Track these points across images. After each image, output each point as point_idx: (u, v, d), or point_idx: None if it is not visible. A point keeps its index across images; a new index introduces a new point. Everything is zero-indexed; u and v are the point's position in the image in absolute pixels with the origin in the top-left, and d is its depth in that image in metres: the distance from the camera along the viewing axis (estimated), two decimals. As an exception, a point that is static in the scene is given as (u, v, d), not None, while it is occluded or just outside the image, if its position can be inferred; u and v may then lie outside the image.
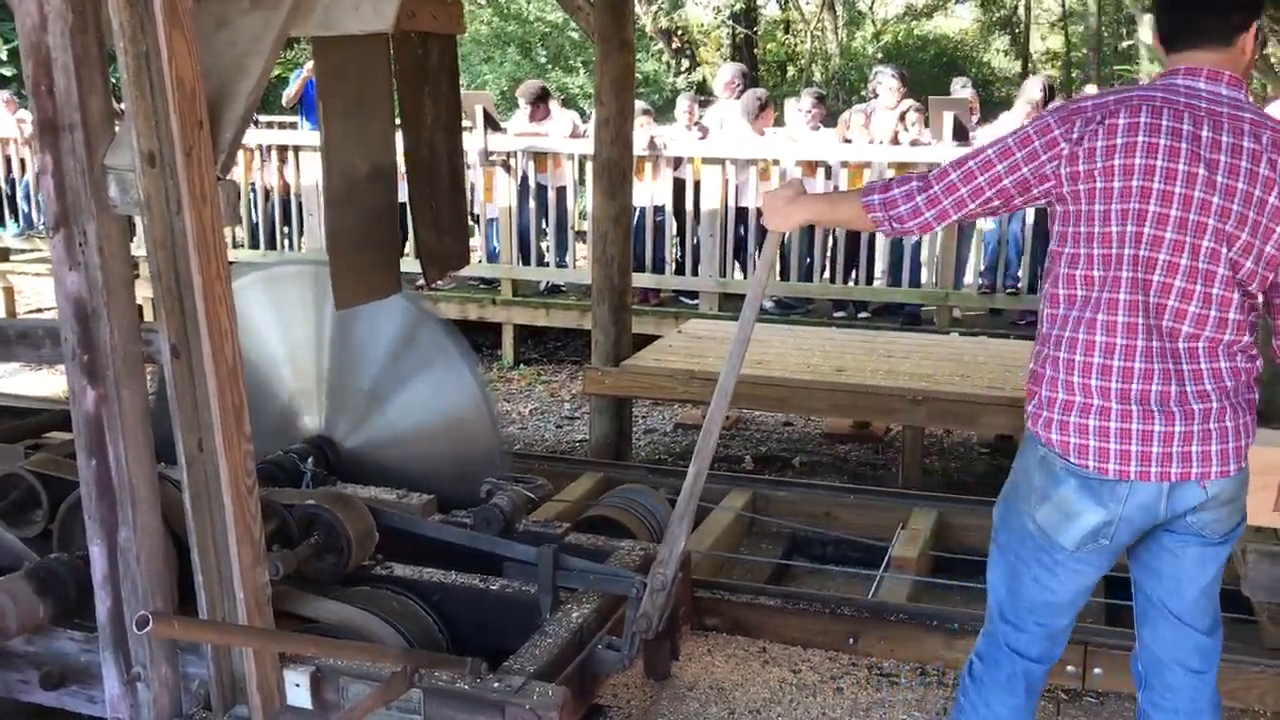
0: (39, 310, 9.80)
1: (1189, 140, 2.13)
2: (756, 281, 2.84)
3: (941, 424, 6.07)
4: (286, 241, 9.03)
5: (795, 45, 22.13)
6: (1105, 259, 2.18)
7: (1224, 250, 2.14)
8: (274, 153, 8.84)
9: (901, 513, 4.55)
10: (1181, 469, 2.19)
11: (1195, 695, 2.42)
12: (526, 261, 8.45)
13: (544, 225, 8.59)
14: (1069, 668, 3.40)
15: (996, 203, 2.30)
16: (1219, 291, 2.16)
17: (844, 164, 7.71)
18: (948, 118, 7.50)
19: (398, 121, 3.17)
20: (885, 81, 8.43)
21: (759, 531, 4.80)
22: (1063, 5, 23.38)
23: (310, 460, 3.44)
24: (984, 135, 7.79)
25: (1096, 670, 3.40)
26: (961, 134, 7.61)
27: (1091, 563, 2.32)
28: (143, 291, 3.28)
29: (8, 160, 9.97)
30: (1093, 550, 2.28)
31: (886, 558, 4.14)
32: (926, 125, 7.83)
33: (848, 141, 8.08)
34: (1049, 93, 7.67)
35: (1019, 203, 2.31)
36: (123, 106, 2.35)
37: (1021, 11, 23.63)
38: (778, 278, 7.99)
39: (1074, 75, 21.52)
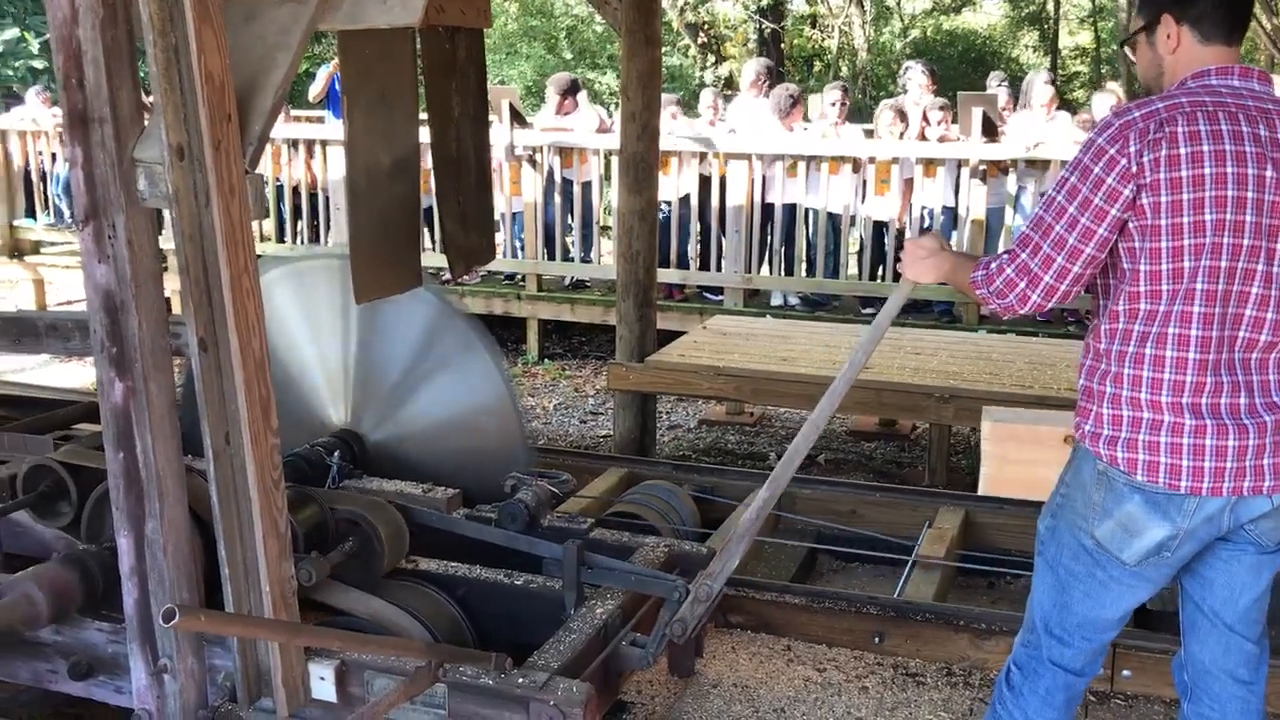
0: (68, 302, 9.88)
1: (1251, 142, 2.10)
2: (875, 328, 2.62)
3: (969, 422, 6.02)
4: (313, 236, 9.08)
5: (822, 40, 22.04)
6: (1177, 272, 2.13)
7: None
8: (300, 147, 8.88)
9: (928, 511, 4.52)
10: (1254, 482, 2.16)
11: (1244, 707, 2.39)
12: (552, 256, 8.45)
13: (569, 220, 8.59)
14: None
15: (1103, 255, 2.19)
16: None
17: (871, 159, 7.68)
18: (976, 113, 7.44)
19: (423, 116, 3.17)
20: (915, 77, 8.38)
21: (785, 528, 4.78)
22: (1092, 0, 23.18)
23: (337, 454, 3.45)
24: (1013, 127, 7.74)
25: (1125, 672, 3.36)
26: (990, 130, 7.55)
27: (1149, 577, 2.29)
28: (171, 284, 3.27)
29: (39, 154, 10.07)
30: (1153, 565, 2.25)
31: (913, 557, 4.11)
32: (955, 121, 7.78)
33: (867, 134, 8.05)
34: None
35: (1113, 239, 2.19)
36: (151, 100, 2.36)
37: (1050, 7, 23.44)
38: (803, 273, 7.97)
39: (1104, 71, 21.33)
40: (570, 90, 8.82)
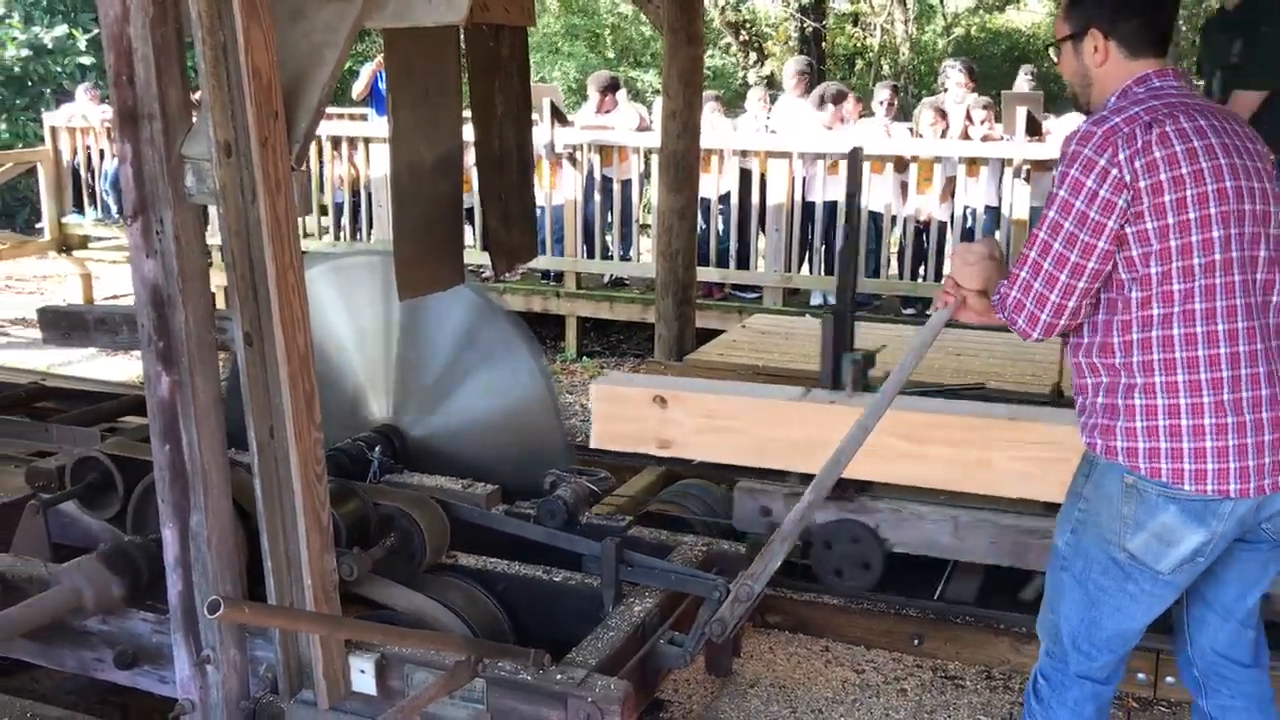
0: (115, 296, 10.02)
1: (1218, 135, 2.15)
2: (919, 344, 2.53)
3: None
4: (356, 233, 9.15)
5: (864, 39, 21.90)
6: (1192, 269, 2.12)
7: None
8: (344, 144, 8.95)
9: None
10: (1273, 480, 2.15)
11: (1259, 686, 2.44)
12: (591, 255, 8.46)
13: (609, 218, 8.60)
14: (1139, 675, 3.33)
15: (1107, 267, 2.18)
16: None
17: (914, 158, 7.62)
18: (1020, 112, 7.37)
19: (466, 114, 3.18)
20: (954, 76, 8.33)
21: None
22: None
23: (378, 449, 3.47)
24: (1058, 127, 7.66)
25: (1169, 679, 3.32)
26: (1035, 129, 7.48)
27: (1177, 584, 2.28)
28: (217, 279, 3.32)
29: (87, 150, 10.21)
30: (1185, 571, 2.24)
31: (952, 560, 4.07)
32: (999, 120, 7.71)
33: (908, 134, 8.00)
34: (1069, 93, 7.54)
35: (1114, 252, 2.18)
36: (199, 96, 2.38)
37: (1097, 4, 23.13)
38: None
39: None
40: (610, 88, 8.84)
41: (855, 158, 4.14)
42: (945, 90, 8.49)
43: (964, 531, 3.61)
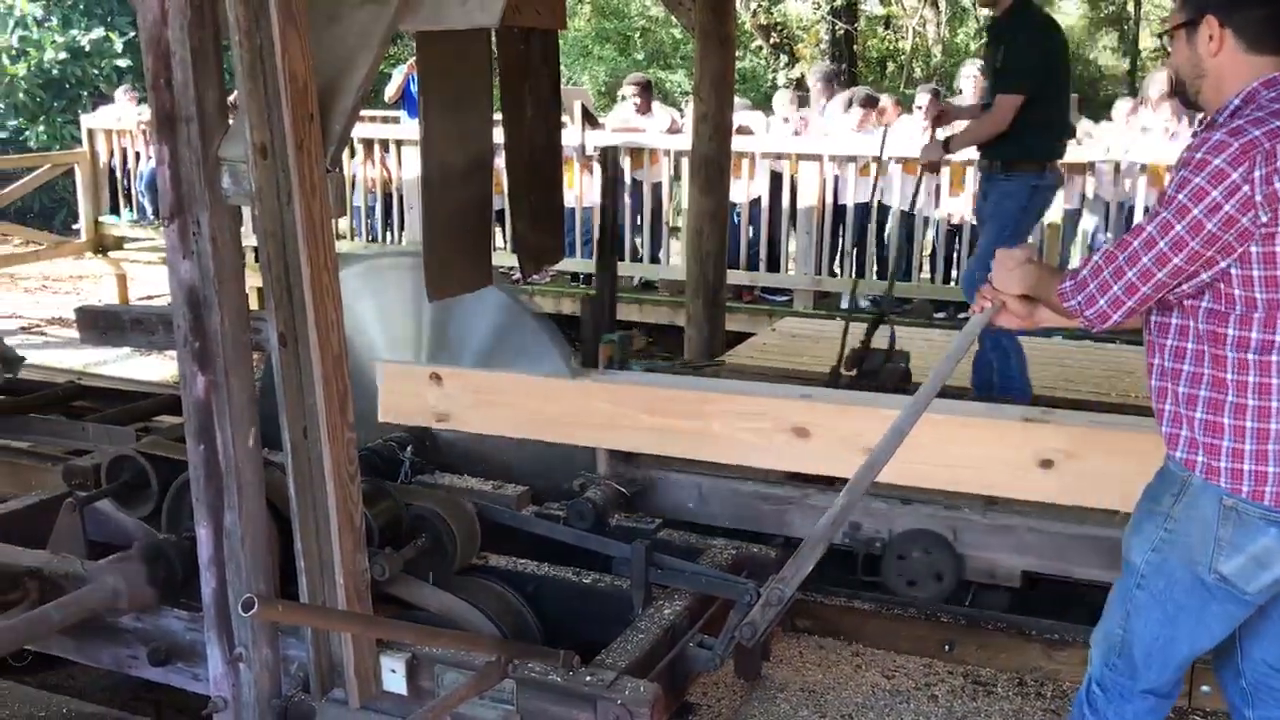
0: (150, 297, 10.12)
1: None
2: (956, 348, 2.48)
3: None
4: (388, 234, 9.20)
5: (896, 41, 21.81)
6: None
7: None
8: (376, 147, 9.00)
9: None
10: None
11: None
12: (621, 257, 8.46)
13: (639, 221, 8.61)
14: (1174, 685, 3.29)
15: (1204, 275, 2.10)
16: None
17: (946, 161, 7.57)
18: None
19: (496, 116, 3.19)
20: (969, 74, 8.34)
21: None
22: (1174, 1, 22.61)
23: (409, 449, 3.49)
24: (1099, 134, 7.60)
25: (1204, 688, 3.27)
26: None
27: (1257, 603, 2.24)
28: (251, 280, 3.35)
29: (124, 151, 10.32)
30: (1268, 591, 2.20)
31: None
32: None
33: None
34: (1174, 86, 7.44)
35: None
36: (235, 99, 2.40)
37: (1131, 7, 22.95)
38: (873, 276, 7.89)
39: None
40: (645, 90, 8.90)
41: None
42: (960, 93, 8.44)
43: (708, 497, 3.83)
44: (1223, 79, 2.16)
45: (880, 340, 4.83)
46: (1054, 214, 7.33)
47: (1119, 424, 3.33)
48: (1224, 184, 2.02)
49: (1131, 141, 7.36)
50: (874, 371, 4.66)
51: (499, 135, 3.18)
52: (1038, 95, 4.67)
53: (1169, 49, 2.31)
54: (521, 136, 3.27)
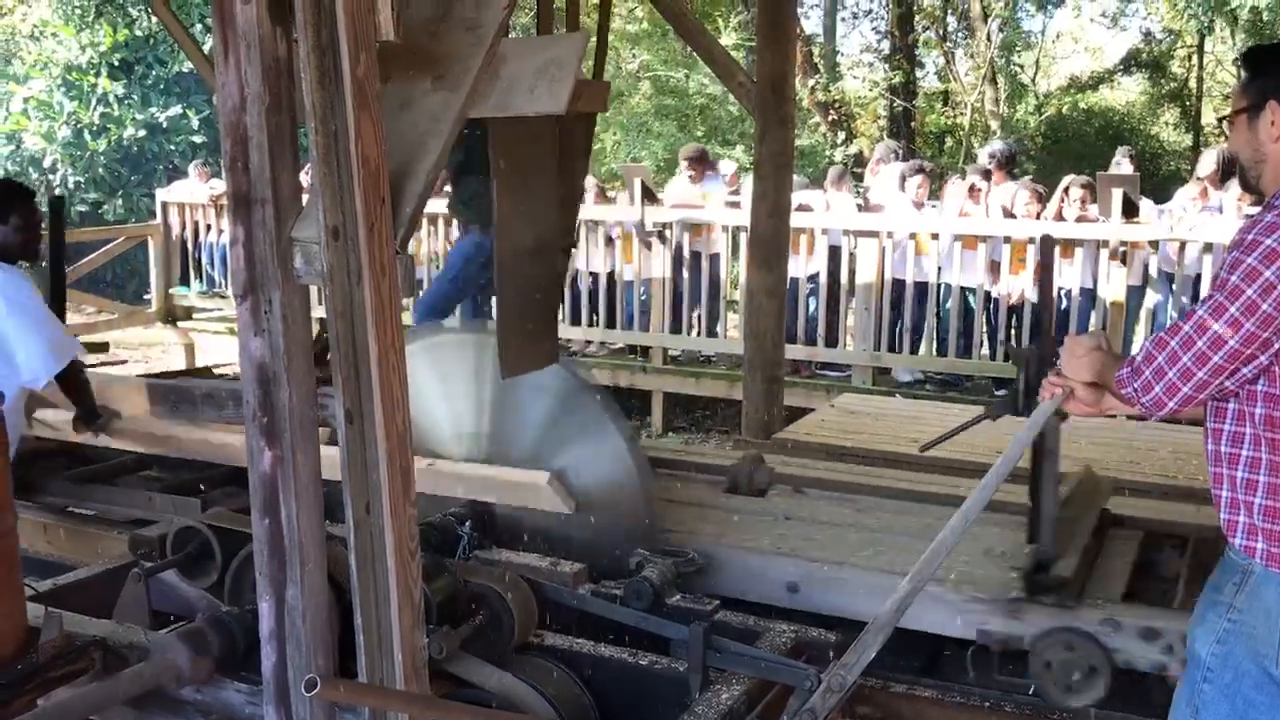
0: (216, 366, 10.31)
1: None
2: (1025, 435, 2.48)
3: (1107, 511, 5.79)
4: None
5: (955, 117, 21.87)
6: None
7: None
8: (440, 222, 9.19)
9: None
10: None
11: None
12: (678, 330, 8.50)
13: (698, 293, 8.66)
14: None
15: (1262, 357, 2.09)
16: None
17: (1006, 239, 7.56)
18: (1116, 194, 7.28)
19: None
20: (983, 158, 8.54)
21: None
22: (1237, 77, 22.51)
23: (468, 524, 3.50)
24: (1158, 212, 7.55)
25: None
26: (1131, 210, 7.37)
27: None
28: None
29: (195, 225, 10.61)
30: None
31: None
32: (1094, 200, 7.62)
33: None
34: (1224, 165, 7.39)
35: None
36: (308, 180, 2.47)
37: (1193, 83, 22.85)
38: (934, 353, 7.85)
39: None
40: (699, 161, 9.07)
41: (1047, 244, 4.12)
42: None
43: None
44: None
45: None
46: (1116, 292, 7.26)
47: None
48: (1277, 264, 2.01)
49: (1198, 219, 7.28)
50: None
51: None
52: None
53: (1227, 133, 2.32)
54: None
